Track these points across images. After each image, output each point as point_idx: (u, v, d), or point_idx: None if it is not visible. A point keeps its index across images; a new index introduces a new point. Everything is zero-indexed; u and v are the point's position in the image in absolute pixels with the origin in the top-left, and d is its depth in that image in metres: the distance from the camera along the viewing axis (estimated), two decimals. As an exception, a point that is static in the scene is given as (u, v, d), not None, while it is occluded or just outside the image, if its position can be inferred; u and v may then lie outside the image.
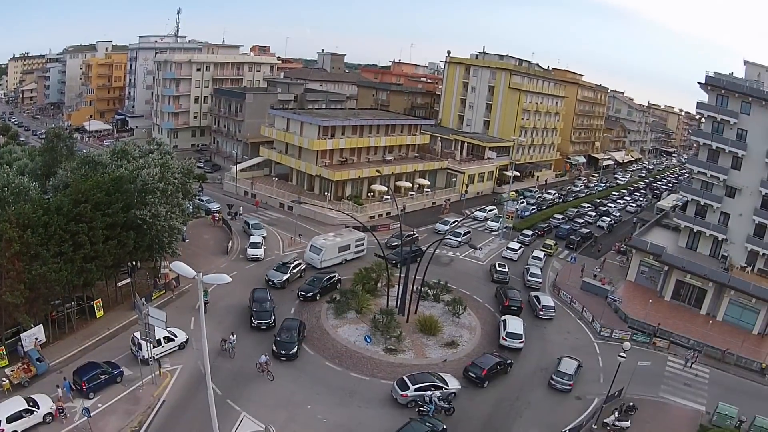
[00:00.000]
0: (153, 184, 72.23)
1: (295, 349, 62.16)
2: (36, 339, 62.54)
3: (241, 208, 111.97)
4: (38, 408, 52.12)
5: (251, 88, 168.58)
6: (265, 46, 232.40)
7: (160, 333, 59.07)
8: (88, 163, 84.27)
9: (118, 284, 74.02)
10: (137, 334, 59.62)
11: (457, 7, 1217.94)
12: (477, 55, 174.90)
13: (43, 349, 62.22)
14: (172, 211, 73.33)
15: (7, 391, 55.69)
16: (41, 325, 63.13)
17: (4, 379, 57.15)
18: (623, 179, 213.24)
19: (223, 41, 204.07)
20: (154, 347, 57.69)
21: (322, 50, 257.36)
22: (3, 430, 50.11)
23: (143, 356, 57.64)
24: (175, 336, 63.48)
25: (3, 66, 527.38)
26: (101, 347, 64.09)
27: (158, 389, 56.56)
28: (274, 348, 62.18)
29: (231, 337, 62.10)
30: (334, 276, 79.74)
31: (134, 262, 76.70)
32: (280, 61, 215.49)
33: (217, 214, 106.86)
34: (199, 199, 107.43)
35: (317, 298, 75.10)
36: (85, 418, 49.78)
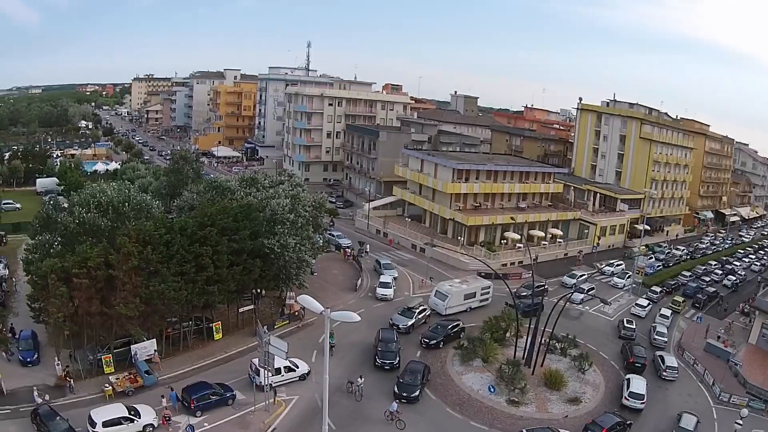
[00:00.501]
0: (283, 214, 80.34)
1: (417, 392, 66.85)
2: (155, 352, 71.81)
3: (368, 246, 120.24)
4: (139, 418, 59.96)
5: (384, 127, 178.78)
6: (397, 85, 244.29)
7: (281, 362, 66.09)
8: (216, 188, 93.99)
9: (241, 310, 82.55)
10: (256, 361, 66.21)
11: (587, 51, 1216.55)
12: (608, 103, 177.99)
13: (154, 364, 71.12)
14: (301, 243, 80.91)
15: (109, 397, 64.91)
16: (155, 339, 72.13)
17: (107, 385, 66.53)
18: (747, 236, 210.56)
19: (355, 77, 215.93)
20: (272, 375, 64.13)
21: (455, 92, 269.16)
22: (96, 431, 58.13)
23: (260, 383, 64.29)
24: (297, 367, 70.22)
25: (127, 86, 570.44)
26: (215, 369, 72.04)
27: (270, 417, 62.93)
28: (396, 389, 67.06)
29: (359, 380, 67.06)
30: (459, 324, 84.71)
31: (259, 290, 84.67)
32: (413, 101, 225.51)
33: (348, 250, 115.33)
34: (330, 234, 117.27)
35: (440, 346, 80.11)
36: None
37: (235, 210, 78.04)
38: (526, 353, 76.40)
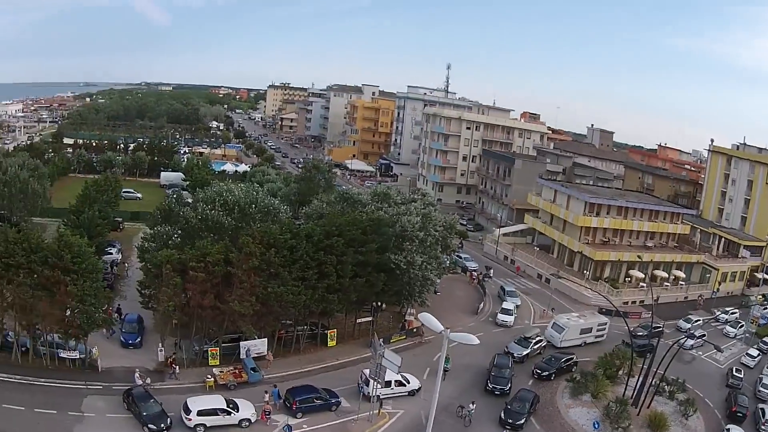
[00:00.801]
0: (413, 231, 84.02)
1: (522, 421, 68.68)
2: (269, 351, 76.95)
3: (492, 270, 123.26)
4: (236, 411, 63.96)
5: (520, 155, 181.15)
6: (535, 114, 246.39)
7: (393, 376, 69.01)
8: (347, 200, 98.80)
9: (358, 320, 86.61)
10: (367, 371, 69.75)
11: (724, 91, 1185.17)
12: (738, 146, 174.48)
13: (261, 362, 75.84)
14: (428, 262, 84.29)
15: (209, 388, 69.85)
16: (266, 339, 77.09)
17: (209, 376, 71.47)
18: None
19: (494, 102, 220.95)
20: (382, 387, 67.21)
21: (592, 125, 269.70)
22: (190, 419, 62.39)
23: (367, 393, 67.59)
24: (408, 382, 73.10)
25: (262, 92, 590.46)
26: (324, 375, 76.12)
27: (372, 427, 66.03)
28: (503, 415, 69.09)
29: (471, 405, 68.73)
30: (572, 358, 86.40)
31: (379, 303, 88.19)
32: (550, 131, 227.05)
33: (474, 273, 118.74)
34: (457, 256, 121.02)
35: (552, 378, 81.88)
36: None
37: (365, 223, 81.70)
38: (635, 393, 77.06)
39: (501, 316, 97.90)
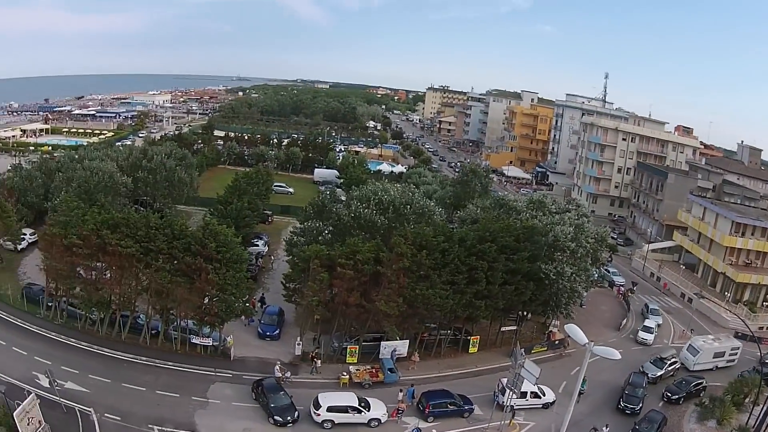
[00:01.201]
0: (565, 242, 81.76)
1: None
2: (415, 352, 76.46)
3: (637, 286, 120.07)
4: (367, 410, 63.34)
5: (673, 169, 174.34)
6: (689, 128, 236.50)
7: (529, 387, 67.04)
8: (503, 206, 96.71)
9: (503, 328, 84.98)
10: (504, 380, 67.61)
11: None
12: None
13: (404, 362, 75.53)
14: (577, 273, 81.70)
15: (343, 385, 69.73)
16: (408, 341, 76.18)
17: (344, 373, 71.22)
18: None
19: (649, 114, 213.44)
20: (517, 397, 65.47)
21: (742, 141, 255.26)
22: (319, 414, 62.19)
23: (502, 402, 65.77)
24: (543, 394, 70.89)
25: (420, 94, 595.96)
26: (461, 380, 74.67)
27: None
28: None
29: (605, 429, 65.95)
30: (702, 382, 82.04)
31: (525, 313, 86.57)
32: (702, 146, 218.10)
33: (622, 288, 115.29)
34: (605, 269, 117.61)
35: (681, 401, 78.23)
36: None
37: (518, 230, 79.93)
38: (757, 422, 72.21)
39: (642, 334, 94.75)
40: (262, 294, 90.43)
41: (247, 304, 76.15)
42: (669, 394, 77.46)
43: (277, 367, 69.71)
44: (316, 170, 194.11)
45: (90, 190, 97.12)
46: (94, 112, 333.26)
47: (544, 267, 79.20)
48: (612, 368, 79.04)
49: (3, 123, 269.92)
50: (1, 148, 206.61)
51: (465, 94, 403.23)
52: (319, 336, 78.67)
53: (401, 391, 67.69)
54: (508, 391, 64.53)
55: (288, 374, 69.68)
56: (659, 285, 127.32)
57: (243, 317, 78.81)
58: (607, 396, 75.96)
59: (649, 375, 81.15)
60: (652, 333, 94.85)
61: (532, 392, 69.31)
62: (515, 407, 67.18)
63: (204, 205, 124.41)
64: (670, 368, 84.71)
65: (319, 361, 72.88)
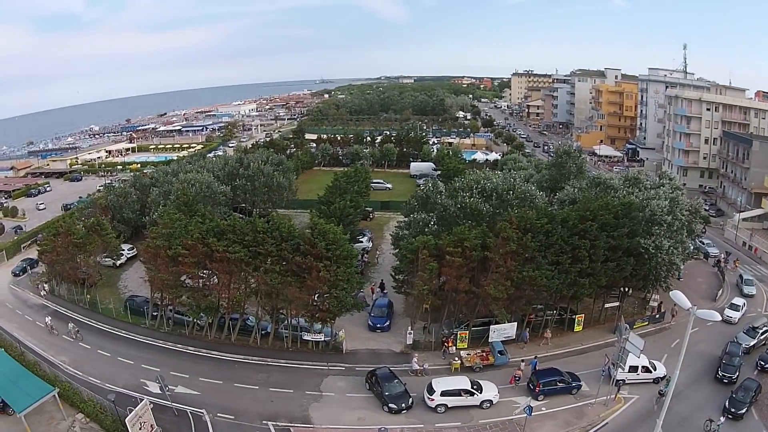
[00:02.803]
0: (661, 216, 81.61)
1: (744, 410, 65.49)
2: (521, 334, 78.21)
3: (731, 255, 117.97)
4: (480, 392, 64.87)
5: (757, 136, 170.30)
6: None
7: (640, 361, 67.94)
8: (599, 185, 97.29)
9: (606, 305, 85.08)
10: (610, 355, 67.56)
11: None
12: None
13: (508, 345, 76.56)
14: (674, 246, 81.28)
15: (455, 370, 71.38)
16: (516, 323, 77.41)
17: (456, 359, 73.14)
18: None
19: (729, 82, 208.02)
20: (626, 372, 66.33)
21: None
22: (432, 399, 64.17)
23: (613, 376, 65.86)
24: (654, 368, 70.73)
25: (506, 80, 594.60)
26: (568, 359, 75.42)
27: (606, 411, 64.89)
28: (727, 404, 65.90)
29: (721, 419, 64.15)
30: None
31: (626, 288, 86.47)
32: None
33: (724, 258, 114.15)
34: (700, 241, 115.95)
35: None
36: (525, 415, 60.02)
37: (617, 207, 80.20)
38: None
39: (728, 311, 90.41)
40: (382, 280, 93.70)
41: (357, 298, 78.97)
42: (762, 363, 76.60)
43: (415, 359, 72.17)
44: (412, 164, 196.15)
45: (189, 202, 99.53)
46: (179, 128, 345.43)
47: (643, 242, 79.27)
48: (708, 339, 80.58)
49: (86, 146, 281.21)
50: (88, 169, 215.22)
51: (550, 76, 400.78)
52: (428, 324, 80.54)
53: (523, 360, 71.20)
54: (617, 365, 65.06)
55: (426, 365, 71.77)
56: (751, 254, 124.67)
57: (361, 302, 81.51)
58: (706, 367, 75.38)
59: (743, 345, 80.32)
60: (739, 310, 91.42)
61: (643, 366, 69.66)
62: (627, 381, 68.21)
63: (303, 207, 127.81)
64: (762, 337, 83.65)
65: (453, 347, 75.61)
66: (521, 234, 73.01)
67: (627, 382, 68.54)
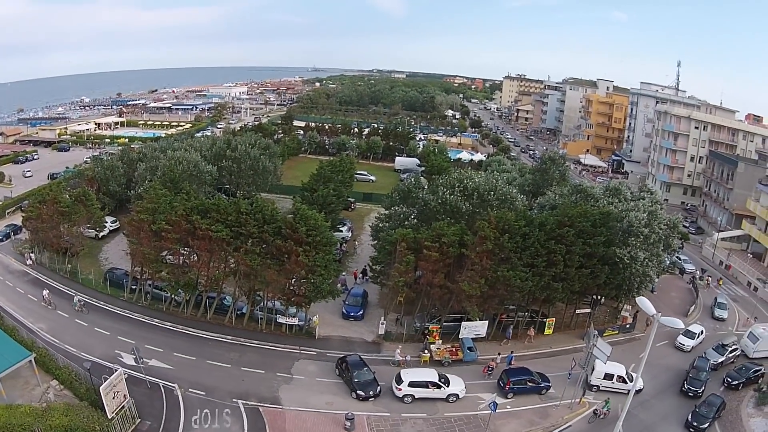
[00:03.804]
0: (638, 227, 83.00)
1: (707, 425, 66.71)
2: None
3: (706, 273, 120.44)
4: (447, 386, 66.48)
5: (743, 158, 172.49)
6: (759, 116, 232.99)
7: (617, 370, 70.67)
8: (580, 192, 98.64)
9: (577, 311, 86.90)
10: (577, 359, 69.49)
11: None
12: None
13: (478, 343, 78.17)
14: (649, 259, 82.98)
15: (423, 363, 73.00)
16: (487, 321, 78.54)
17: (426, 351, 74.77)
18: None
19: (720, 102, 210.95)
20: (600, 378, 69.30)
21: None
22: (400, 389, 65.80)
23: (580, 379, 67.38)
24: (631, 380, 70.40)
25: (497, 82, 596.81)
26: (536, 360, 76.96)
27: (571, 414, 66.43)
28: (689, 418, 67.41)
29: None
30: (761, 369, 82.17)
31: (599, 297, 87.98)
32: None
33: (706, 276, 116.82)
34: (677, 257, 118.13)
35: (740, 387, 78.63)
36: (490, 411, 61.00)
37: (595, 215, 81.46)
38: None
39: (681, 338, 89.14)
40: (365, 266, 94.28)
41: (339, 280, 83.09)
42: (729, 380, 78.34)
43: (398, 351, 73.58)
44: (398, 159, 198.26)
45: (175, 179, 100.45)
46: (169, 105, 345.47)
47: (618, 251, 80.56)
48: (676, 354, 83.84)
49: (76, 117, 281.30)
50: (76, 140, 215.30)
51: (542, 82, 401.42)
52: (401, 316, 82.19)
53: (499, 353, 73.96)
54: (591, 369, 67.73)
55: (408, 357, 73.13)
56: (726, 272, 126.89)
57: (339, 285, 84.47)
58: (672, 379, 77.03)
59: (711, 361, 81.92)
60: (695, 339, 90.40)
61: (618, 376, 71.19)
62: (601, 388, 70.46)
63: (287, 193, 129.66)
64: (731, 355, 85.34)
65: (439, 340, 77.31)
66: (499, 234, 74.34)
67: (601, 389, 70.50)
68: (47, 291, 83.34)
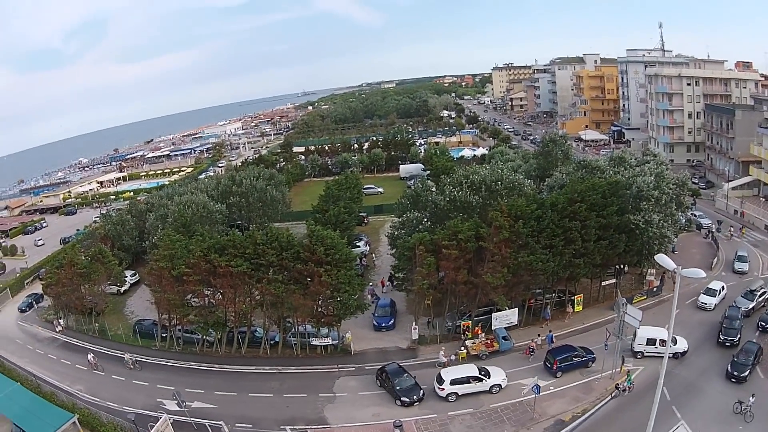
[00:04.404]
0: (648, 191, 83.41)
1: (747, 373, 66.10)
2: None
3: (722, 224, 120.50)
4: (488, 378, 66.79)
5: (739, 105, 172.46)
6: (747, 62, 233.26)
7: (658, 334, 69.97)
8: (585, 167, 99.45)
9: (603, 283, 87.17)
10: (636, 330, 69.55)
11: None
12: None
13: (514, 331, 78.80)
14: (664, 220, 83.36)
15: (462, 360, 73.40)
16: (517, 309, 79.34)
17: (462, 348, 75.45)
18: None
19: (708, 56, 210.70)
20: (643, 345, 69.75)
21: None
22: (443, 389, 66.18)
23: (617, 348, 67.60)
24: (675, 342, 70.52)
25: (486, 75, 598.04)
26: (571, 338, 77.10)
27: (612, 384, 66.36)
28: (729, 368, 66.75)
29: (750, 399, 62.76)
30: None
31: (622, 266, 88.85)
32: (763, 78, 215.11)
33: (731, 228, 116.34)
34: (692, 214, 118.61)
35: None
36: (534, 394, 61.59)
37: (604, 187, 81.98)
38: None
39: (703, 297, 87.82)
40: (390, 273, 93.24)
41: (368, 291, 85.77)
42: (763, 324, 77.85)
43: (442, 352, 73.87)
44: (402, 166, 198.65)
45: (186, 223, 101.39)
46: (168, 152, 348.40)
47: (632, 218, 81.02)
48: (703, 311, 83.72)
49: (77, 179, 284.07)
50: (81, 202, 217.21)
51: (530, 67, 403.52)
52: (432, 319, 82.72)
53: (539, 335, 75.15)
54: (633, 336, 68.70)
55: (452, 357, 73.65)
56: (741, 219, 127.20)
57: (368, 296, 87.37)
58: (707, 332, 77.15)
59: (742, 308, 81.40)
60: (716, 296, 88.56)
61: (661, 340, 70.23)
62: (646, 354, 70.43)
63: (299, 219, 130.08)
64: (761, 299, 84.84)
65: (482, 333, 78.32)
66: (513, 221, 74.86)
67: (646, 354, 70.49)
68: (92, 355, 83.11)
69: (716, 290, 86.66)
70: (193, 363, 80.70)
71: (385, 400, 66.71)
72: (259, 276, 75.05)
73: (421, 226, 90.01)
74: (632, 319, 63.69)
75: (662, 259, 43.94)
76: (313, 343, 78.94)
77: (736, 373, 65.48)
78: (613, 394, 64.39)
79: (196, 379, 75.63)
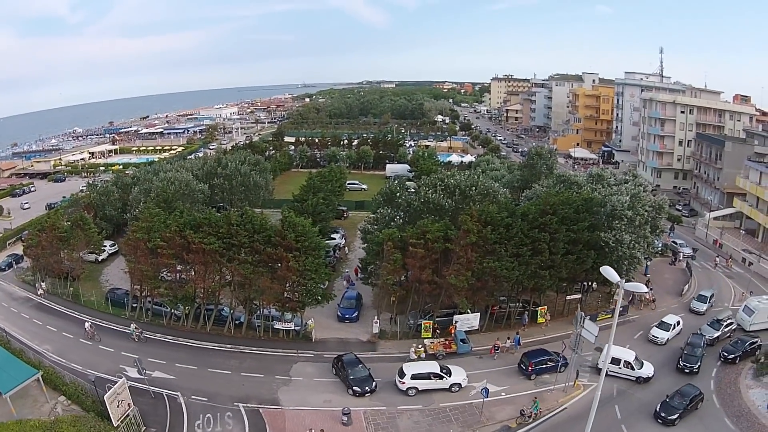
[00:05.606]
0: (621, 210, 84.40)
1: (675, 416, 63.65)
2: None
3: (697, 251, 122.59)
4: (449, 376, 68.23)
5: (730, 137, 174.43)
6: (746, 96, 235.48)
7: (625, 355, 71.34)
8: (564, 182, 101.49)
9: (568, 297, 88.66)
10: (568, 342, 71.52)
11: None
12: None
13: (474, 336, 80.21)
14: (636, 241, 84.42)
15: (418, 358, 74.66)
16: (479, 313, 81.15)
17: (419, 346, 76.48)
18: None
19: (705, 85, 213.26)
20: (607, 362, 68.02)
21: None
22: (404, 383, 67.72)
23: (571, 362, 69.54)
24: (640, 367, 71.95)
25: (486, 85, 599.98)
26: (530, 348, 77.33)
27: (565, 397, 67.89)
28: (658, 408, 65.13)
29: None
30: (757, 341, 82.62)
31: (590, 282, 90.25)
32: (759, 113, 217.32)
33: (683, 255, 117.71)
34: (672, 241, 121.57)
35: (737, 361, 79.41)
36: (482, 398, 63.16)
37: (578, 202, 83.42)
38: None
39: (654, 331, 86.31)
40: (358, 265, 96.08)
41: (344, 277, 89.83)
42: (726, 354, 79.20)
43: (413, 349, 75.33)
44: (388, 166, 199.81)
45: (168, 199, 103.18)
46: (161, 130, 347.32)
47: (604, 235, 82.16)
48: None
49: (70, 147, 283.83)
50: (71, 170, 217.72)
51: (528, 80, 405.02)
52: (394, 315, 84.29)
53: (509, 338, 77.68)
54: (602, 353, 67.82)
55: (423, 355, 75.23)
56: (720, 251, 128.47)
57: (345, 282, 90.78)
58: (668, 357, 78.19)
59: (707, 337, 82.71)
60: (669, 330, 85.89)
61: (626, 361, 71.49)
62: (609, 373, 68.10)
63: (279, 207, 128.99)
64: (726, 329, 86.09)
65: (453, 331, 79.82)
66: (482, 227, 76.25)
67: (608, 373, 67.95)
68: (89, 324, 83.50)
69: (670, 324, 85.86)
70: (158, 335, 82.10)
71: (338, 389, 68.13)
72: (231, 256, 76.67)
73: (393, 223, 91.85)
74: (589, 333, 64.33)
75: (606, 271, 44.84)
76: (276, 326, 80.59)
77: (663, 414, 64.58)
78: (517, 421, 63.53)
79: (160, 351, 76.96)
